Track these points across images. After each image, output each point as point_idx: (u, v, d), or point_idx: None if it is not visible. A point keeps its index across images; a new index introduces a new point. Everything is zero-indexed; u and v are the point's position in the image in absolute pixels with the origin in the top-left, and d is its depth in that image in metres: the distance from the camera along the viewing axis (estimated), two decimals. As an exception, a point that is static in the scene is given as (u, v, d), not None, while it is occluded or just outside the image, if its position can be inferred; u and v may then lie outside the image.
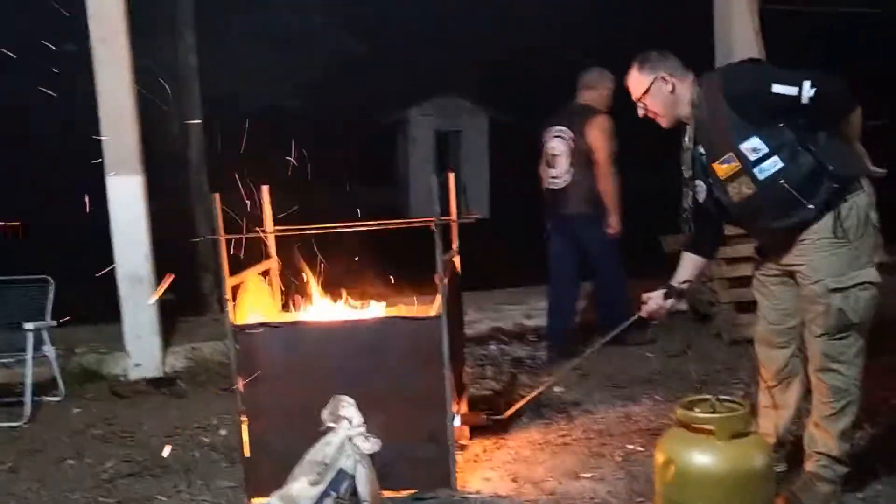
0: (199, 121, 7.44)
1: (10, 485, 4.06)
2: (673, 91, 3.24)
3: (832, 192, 3.02)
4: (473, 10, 15.44)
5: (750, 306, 3.71)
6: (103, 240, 5.86)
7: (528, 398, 4.16)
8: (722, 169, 3.13)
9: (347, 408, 3.09)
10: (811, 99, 2.93)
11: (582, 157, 5.59)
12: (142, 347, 5.91)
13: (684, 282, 3.48)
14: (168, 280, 4.39)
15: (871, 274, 3.05)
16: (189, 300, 7.48)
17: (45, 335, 5.35)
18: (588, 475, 3.73)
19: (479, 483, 3.69)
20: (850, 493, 3.29)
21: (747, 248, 3.91)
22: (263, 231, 4.09)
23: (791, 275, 3.21)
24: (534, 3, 14.88)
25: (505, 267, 8.05)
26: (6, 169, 11.67)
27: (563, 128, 5.66)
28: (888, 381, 4.38)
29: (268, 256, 4.16)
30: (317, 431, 3.22)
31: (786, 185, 3.01)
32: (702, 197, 3.29)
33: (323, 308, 4.05)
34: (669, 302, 3.54)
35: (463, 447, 4.01)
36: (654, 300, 3.55)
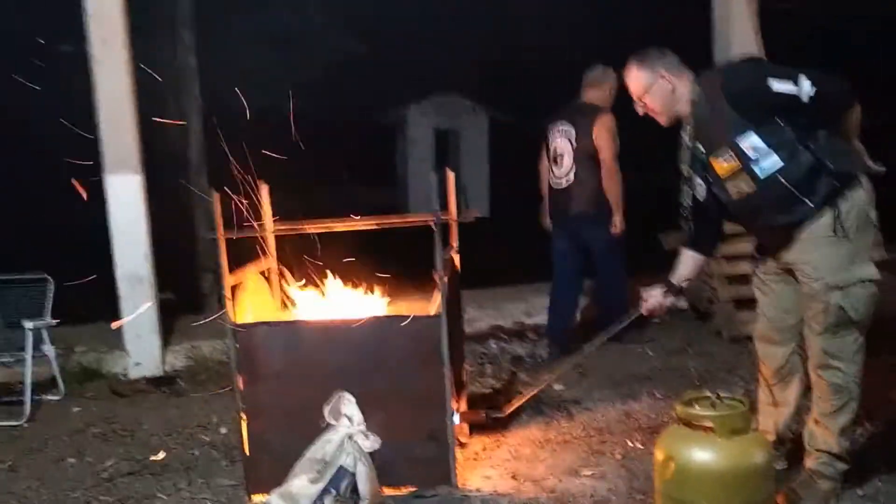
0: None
1: (10, 483, 4.06)
2: (672, 89, 3.24)
3: (831, 189, 3.02)
4: (473, 10, 15.42)
5: (750, 304, 3.71)
6: (103, 239, 5.86)
7: (528, 396, 4.16)
8: (722, 167, 3.13)
9: (348, 405, 3.09)
10: (811, 98, 2.94)
11: (586, 156, 5.57)
12: (141, 346, 5.92)
13: (684, 279, 3.49)
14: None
15: (871, 271, 3.05)
16: (189, 299, 7.48)
17: (45, 334, 5.35)
18: (588, 473, 3.74)
19: (479, 481, 3.69)
20: (850, 490, 3.29)
21: (747, 246, 3.90)
22: (262, 229, 4.09)
23: (791, 272, 3.21)
24: (533, 2, 14.86)
25: (505, 265, 8.05)
26: (5, 168, 11.68)
27: (568, 126, 5.64)
28: (888, 378, 4.38)
29: (267, 255, 4.17)
30: (316, 429, 3.22)
31: (785, 182, 3.02)
32: (701, 195, 3.29)
33: (325, 300, 4.05)
34: (669, 299, 3.54)
35: (463, 445, 4.01)
36: (654, 297, 3.55)
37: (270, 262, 4.18)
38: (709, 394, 3.00)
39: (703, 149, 3.21)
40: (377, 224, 4.10)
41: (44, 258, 5.57)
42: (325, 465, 2.98)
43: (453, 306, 3.87)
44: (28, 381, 5.12)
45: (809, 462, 3.27)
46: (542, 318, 6.19)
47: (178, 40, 7.84)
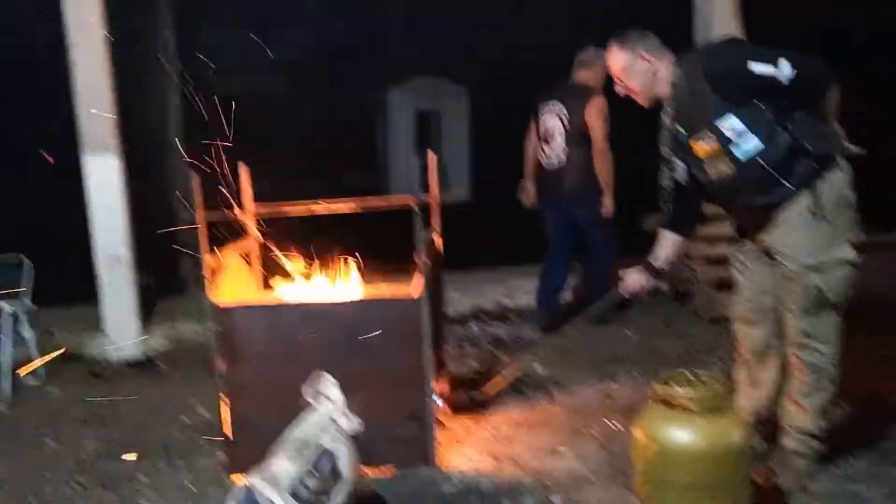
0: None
1: (-11, 466, 4.04)
2: (652, 70, 3.25)
3: (810, 170, 3.04)
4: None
5: (729, 285, 3.74)
6: (81, 220, 5.81)
7: (508, 376, 4.17)
8: (701, 148, 3.14)
9: (328, 386, 3.08)
10: (790, 80, 2.95)
11: (577, 137, 5.60)
12: (121, 329, 5.89)
13: (663, 261, 3.51)
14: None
15: (849, 252, 3.08)
16: (168, 281, 7.44)
17: (23, 316, 5.31)
18: (568, 452, 3.76)
19: (459, 461, 3.71)
20: (827, 469, 3.33)
21: (726, 227, 3.93)
22: (241, 211, 4.07)
23: (769, 253, 3.24)
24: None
25: (486, 247, 8.06)
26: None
27: (560, 105, 5.66)
28: (865, 359, 4.42)
29: (247, 236, 4.15)
30: (297, 410, 3.22)
31: (764, 164, 3.03)
32: (680, 176, 3.31)
33: (305, 282, 4.04)
34: (648, 281, 3.56)
35: (443, 425, 4.03)
36: (633, 279, 3.57)
37: (251, 243, 4.16)
38: (687, 373, 3.01)
39: (682, 130, 3.22)
40: (358, 206, 4.09)
41: (21, 240, 5.51)
42: (306, 446, 2.97)
43: (435, 288, 3.88)
44: (6, 363, 5.08)
45: (787, 441, 3.31)
46: (523, 300, 6.21)
47: (158, 19, 7.76)
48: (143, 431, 4.36)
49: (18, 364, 5.22)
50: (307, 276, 4.02)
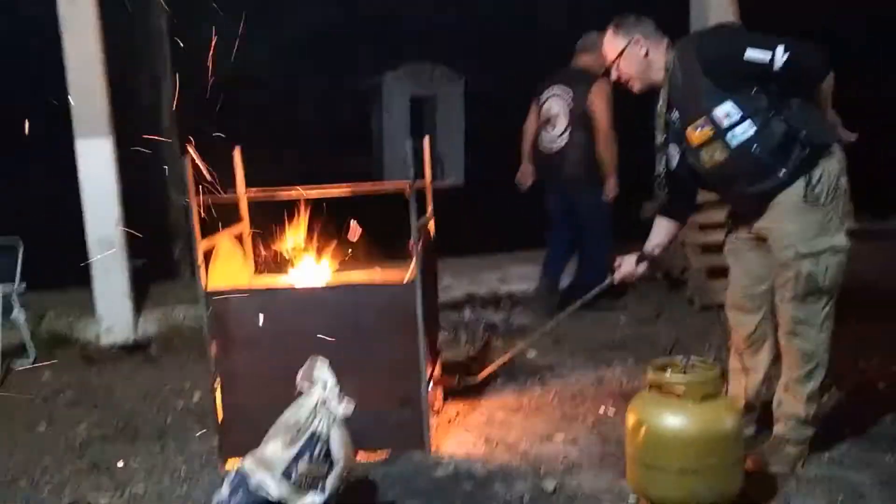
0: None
1: (-19, 450, 4.03)
2: (646, 55, 3.24)
3: (804, 157, 3.03)
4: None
5: (722, 272, 3.74)
6: (74, 203, 5.79)
7: (501, 361, 4.18)
8: (695, 135, 3.13)
9: (322, 370, 3.08)
10: (784, 65, 2.93)
11: (580, 120, 5.59)
12: (113, 312, 5.87)
13: (657, 247, 3.51)
14: None
15: (841, 240, 3.08)
16: (161, 264, 7.41)
17: (15, 299, 5.29)
18: (561, 438, 3.78)
19: (452, 446, 3.72)
20: (817, 455, 3.35)
21: (720, 215, 3.93)
22: (235, 195, 4.05)
23: (762, 239, 3.24)
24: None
25: (480, 233, 8.06)
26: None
27: (564, 89, 5.65)
28: (856, 345, 4.44)
29: (240, 220, 4.13)
30: (290, 395, 3.22)
31: (758, 150, 3.02)
32: (675, 163, 3.30)
33: (299, 267, 4.03)
34: (642, 267, 3.56)
35: (437, 411, 4.03)
36: (627, 265, 3.57)
37: (244, 227, 4.14)
38: (679, 359, 3.02)
39: (677, 116, 3.21)
40: (352, 191, 4.08)
41: (13, 222, 5.49)
42: (299, 431, 2.97)
43: (428, 274, 3.87)
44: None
45: (778, 427, 3.32)
46: (517, 286, 6.22)
47: (152, 4, 7.71)
48: (136, 415, 4.35)
49: (10, 348, 5.21)
50: (300, 262, 4.01)
